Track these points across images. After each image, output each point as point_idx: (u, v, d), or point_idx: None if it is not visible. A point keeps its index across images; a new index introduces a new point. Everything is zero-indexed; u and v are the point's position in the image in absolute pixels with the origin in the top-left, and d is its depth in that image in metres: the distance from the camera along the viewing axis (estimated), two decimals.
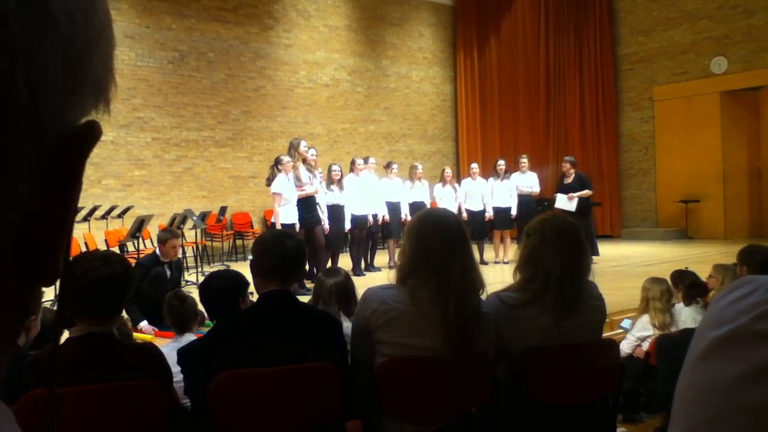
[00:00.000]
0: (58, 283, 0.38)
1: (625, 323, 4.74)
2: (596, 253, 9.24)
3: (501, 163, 10.51)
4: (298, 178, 7.94)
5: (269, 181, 8.08)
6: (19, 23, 0.29)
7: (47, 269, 0.34)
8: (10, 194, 0.31)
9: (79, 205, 0.40)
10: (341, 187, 8.81)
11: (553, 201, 10.18)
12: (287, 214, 7.75)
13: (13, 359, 0.40)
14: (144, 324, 5.22)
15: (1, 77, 0.29)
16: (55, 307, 5.16)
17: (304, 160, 8.15)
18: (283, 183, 7.75)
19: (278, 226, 7.50)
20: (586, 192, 9.86)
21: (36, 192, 0.32)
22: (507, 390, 2.39)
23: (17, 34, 0.29)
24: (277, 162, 8.01)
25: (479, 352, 2.27)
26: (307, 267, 7.65)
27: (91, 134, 0.35)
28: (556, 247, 2.36)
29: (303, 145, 8.22)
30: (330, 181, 8.64)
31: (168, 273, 5.57)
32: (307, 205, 7.95)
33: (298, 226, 7.74)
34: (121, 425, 2.05)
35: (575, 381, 2.45)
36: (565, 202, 9.73)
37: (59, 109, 0.32)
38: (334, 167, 8.78)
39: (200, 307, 3.42)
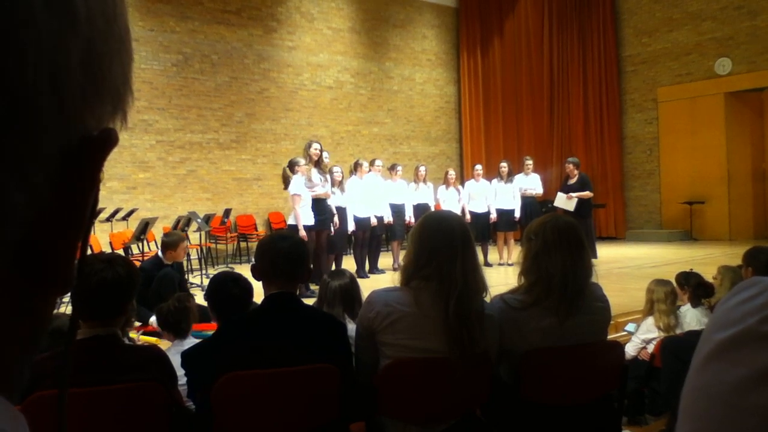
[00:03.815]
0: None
1: (630, 327, 4.72)
2: (594, 256, 9.23)
3: (504, 164, 10.49)
4: (309, 180, 7.94)
5: (286, 182, 8.07)
6: (45, 21, 0.29)
7: (61, 276, 0.34)
8: (30, 197, 0.31)
9: None
10: (342, 189, 8.80)
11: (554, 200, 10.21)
12: (305, 216, 7.76)
13: None
14: (153, 319, 5.22)
15: (27, 75, 0.29)
16: (62, 310, 5.17)
17: (317, 162, 8.14)
18: (301, 184, 7.77)
19: (300, 228, 7.49)
20: (585, 193, 9.85)
21: (53, 196, 0.32)
22: (510, 391, 2.39)
23: (43, 31, 0.29)
24: (292, 164, 8.02)
25: (482, 353, 2.26)
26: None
27: (109, 140, 0.35)
28: (558, 249, 2.36)
29: (314, 147, 8.19)
30: (331, 183, 8.61)
31: None
32: (317, 207, 7.95)
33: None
34: (123, 426, 2.06)
35: (577, 382, 2.45)
36: (564, 201, 9.76)
37: (78, 113, 0.33)
38: (334, 169, 8.76)
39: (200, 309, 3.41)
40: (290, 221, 7.85)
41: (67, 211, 0.34)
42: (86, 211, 0.35)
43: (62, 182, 0.33)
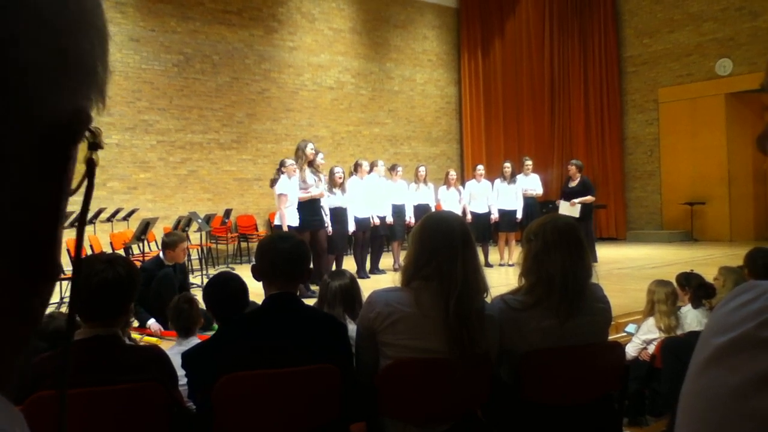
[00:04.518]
0: (69, 286, 0.38)
1: (630, 328, 4.72)
2: (594, 259, 9.20)
3: (507, 165, 10.51)
4: (303, 180, 7.93)
5: (273, 182, 8.09)
6: (12, 14, 0.29)
7: (45, 263, 0.34)
8: (14, 195, 0.31)
9: None
10: (343, 190, 8.79)
11: (557, 206, 10.18)
12: (290, 217, 7.74)
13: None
14: (152, 321, 5.24)
15: (5, 70, 0.29)
16: (63, 310, 5.17)
17: (311, 163, 8.13)
18: (287, 184, 7.75)
19: (284, 227, 7.49)
20: (588, 198, 9.84)
21: (27, 182, 0.32)
22: (510, 391, 2.39)
23: (15, 22, 0.29)
24: (281, 165, 8.02)
25: (482, 353, 2.27)
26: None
27: (80, 123, 0.34)
28: (558, 249, 2.36)
29: (310, 148, 8.19)
30: (332, 183, 8.60)
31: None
32: (311, 207, 7.93)
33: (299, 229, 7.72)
34: (123, 427, 2.06)
35: (577, 382, 2.45)
36: (568, 208, 9.73)
37: (46, 95, 0.32)
38: (336, 170, 8.76)
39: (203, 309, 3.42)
40: (276, 221, 7.85)
41: (46, 199, 0.33)
42: (64, 196, 0.34)
43: (37, 169, 0.32)
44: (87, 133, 0.37)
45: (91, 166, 0.38)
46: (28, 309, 0.35)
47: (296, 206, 7.81)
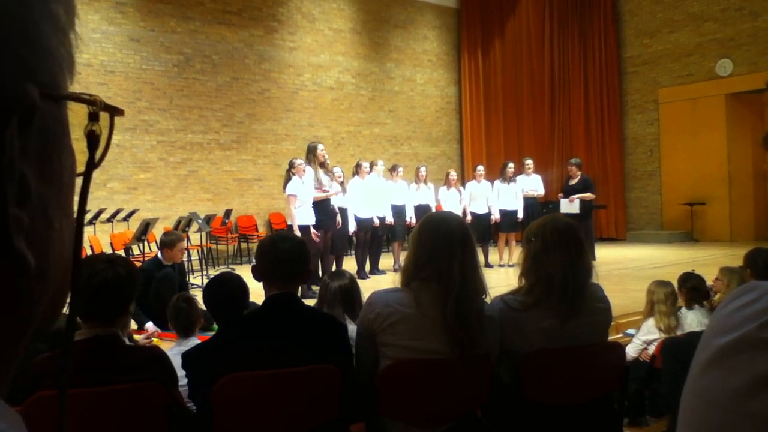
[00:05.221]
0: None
1: (632, 332, 4.72)
2: (593, 258, 9.20)
3: (511, 165, 10.51)
4: (319, 181, 7.96)
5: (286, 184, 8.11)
6: None
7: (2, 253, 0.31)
8: None
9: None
10: (344, 190, 8.80)
11: (558, 206, 10.21)
12: (303, 216, 7.74)
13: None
14: (149, 324, 5.23)
15: None
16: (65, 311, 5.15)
17: (322, 164, 8.16)
18: (297, 185, 7.76)
19: (295, 228, 7.50)
20: (587, 195, 9.85)
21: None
22: (511, 392, 2.39)
23: None
24: (291, 165, 8.03)
25: (482, 353, 2.26)
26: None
27: (14, 97, 0.30)
28: (557, 249, 2.36)
29: (321, 148, 8.24)
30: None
31: None
32: (323, 208, 7.95)
33: (313, 228, 7.72)
34: (123, 427, 2.06)
35: (578, 382, 2.45)
36: (568, 206, 9.76)
37: None
38: (335, 170, 8.76)
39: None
40: (298, 222, 7.86)
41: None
42: (9, 179, 0.31)
43: None
44: (86, 105, 0.35)
45: (92, 139, 0.35)
46: (10, 306, 0.33)
47: (311, 206, 7.81)
